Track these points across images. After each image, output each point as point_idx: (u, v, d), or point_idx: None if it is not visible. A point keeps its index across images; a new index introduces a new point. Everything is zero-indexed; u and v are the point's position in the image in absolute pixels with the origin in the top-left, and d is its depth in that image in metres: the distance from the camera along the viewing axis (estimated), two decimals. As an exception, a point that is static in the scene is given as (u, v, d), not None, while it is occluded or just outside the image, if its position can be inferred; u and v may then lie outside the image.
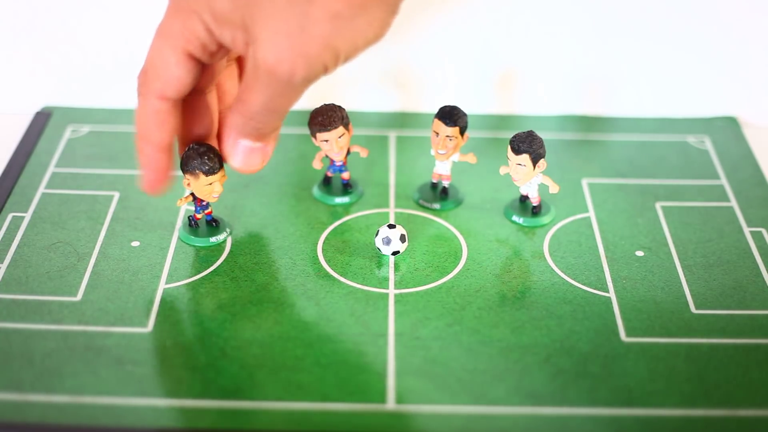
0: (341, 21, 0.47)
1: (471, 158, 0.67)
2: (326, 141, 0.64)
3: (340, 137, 0.64)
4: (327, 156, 0.66)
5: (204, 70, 0.54)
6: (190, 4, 0.49)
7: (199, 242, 0.64)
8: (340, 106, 0.64)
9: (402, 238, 0.61)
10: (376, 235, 0.62)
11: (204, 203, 0.63)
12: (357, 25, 0.47)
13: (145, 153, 0.55)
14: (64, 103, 0.79)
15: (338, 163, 0.67)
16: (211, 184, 0.60)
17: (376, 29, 0.48)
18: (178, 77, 0.52)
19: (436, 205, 0.67)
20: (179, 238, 0.64)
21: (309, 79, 0.49)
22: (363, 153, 0.67)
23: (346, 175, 0.68)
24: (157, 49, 0.52)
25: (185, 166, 0.60)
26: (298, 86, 0.49)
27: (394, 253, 0.62)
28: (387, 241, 0.61)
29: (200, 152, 0.59)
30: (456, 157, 0.66)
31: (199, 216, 0.64)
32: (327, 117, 0.63)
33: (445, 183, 0.68)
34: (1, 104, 0.80)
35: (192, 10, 0.49)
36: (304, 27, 0.47)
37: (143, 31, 0.78)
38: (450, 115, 0.64)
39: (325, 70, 0.49)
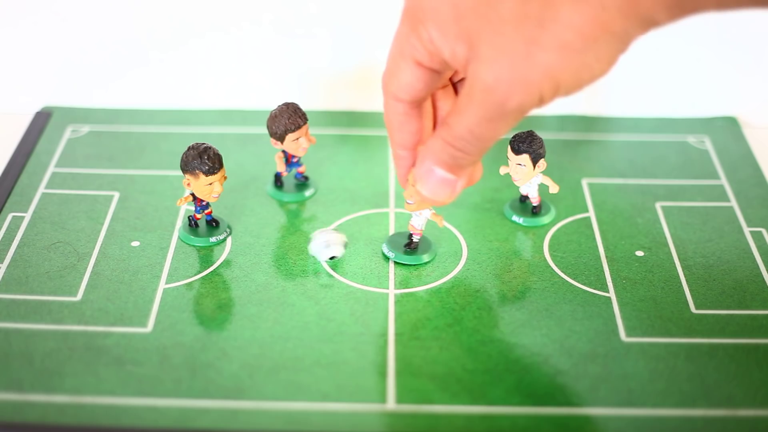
0: (570, 53, 0.44)
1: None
2: (296, 140, 0.65)
3: (306, 132, 0.65)
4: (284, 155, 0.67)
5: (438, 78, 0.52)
6: (418, 13, 0.48)
7: (199, 242, 0.64)
8: (290, 103, 0.65)
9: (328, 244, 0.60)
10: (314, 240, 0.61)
11: (204, 203, 0.63)
12: (585, 58, 0.45)
13: (392, 149, 0.54)
14: (64, 103, 0.79)
15: (295, 159, 0.68)
16: (211, 184, 0.60)
17: (604, 65, 0.46)
18: (408, 83, 0.50)
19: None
20: (179, 238, 0.64)
21: (522, 108, 0.46)
22: (312, 141, 0.67)
23: (303, 168, 0.69)
24: (392, 53, 0.51)
25: (185, 166, 0.60)
26: (510, 113, 0.46)
27: (331, 258, 0.61)
28: (326, 245, 0.60)
29: (200, 151, 0.59)
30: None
31: (199, 216, 0.64)
32: (293, 116, 0.64)
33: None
34: (1, 104, 0.80)
35: (419, 18, 0.48)
36: (531, 52, 0.44)
37: (143, 31, 0.78)
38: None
39: (541, 101, 0.46)
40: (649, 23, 0.44)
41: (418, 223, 0.61)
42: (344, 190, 0.70)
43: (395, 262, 0.62)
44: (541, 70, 0.45)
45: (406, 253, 0.62)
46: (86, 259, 0.62)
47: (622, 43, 0.45)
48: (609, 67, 0.46)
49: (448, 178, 0.51)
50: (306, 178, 0.70)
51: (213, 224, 0.65)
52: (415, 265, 0.62)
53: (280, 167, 0.68)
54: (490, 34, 0.45)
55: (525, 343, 0.57)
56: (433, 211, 0.61)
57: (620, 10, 0.43)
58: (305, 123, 0.64)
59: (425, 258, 0.62)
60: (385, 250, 0.63)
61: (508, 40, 0.44)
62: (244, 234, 0.65)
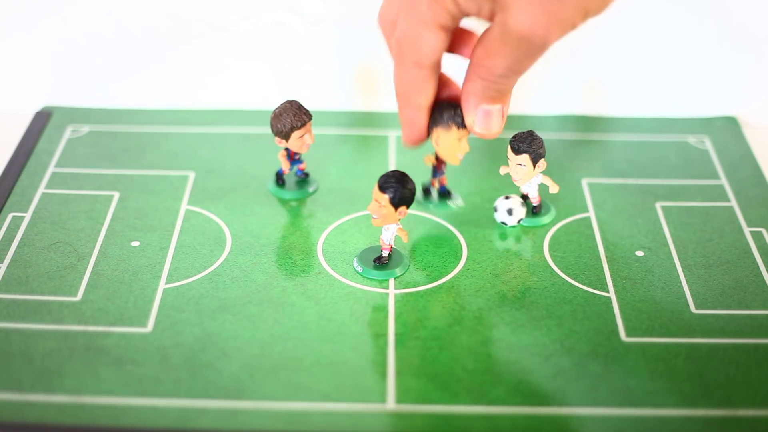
0: None
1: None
2: (301, 137, 0.65)
3: (310, 128, 0.65)
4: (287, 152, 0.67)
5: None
6: None
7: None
8: (293, 100, 0.65)
9: (523, 203, 0.65)
10: (496, 211, 0.65)
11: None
12: None
13: (404, 113, 0.58)
14: (64, 103, 0.79)
15: (297, 156, 0.68)
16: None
17: None
18: (431, 47, 0.54)
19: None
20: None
21: (557, 40, 0.51)
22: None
23: (303, 165, 0.69)
24: (410, 22, 0.54)
25: (438, 120, 0.59)
26: (546, 47, 0.51)
27: (519, 221, 0.65)
28: (510, 212, 0.64)
29: (454, 105, 0.59)
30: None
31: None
32: (298, 114, 0.64)
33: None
34: (1, 104, 0.80)
35: None
36: None
37: (143, 31, 0.78)
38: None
39: (573, 28, 0.50)
40: None
41: (387, 237, 0.61)
42: (344, 189, 0.70)
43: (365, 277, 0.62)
44: (573, 5, 0.49)
45: (375, 267, 0.62)
46: (86, 259, 0.62)
47: None
48: None
49: (495, 108, 0.56)
50: (306, 174, 0.70)
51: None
52: (385, 280, 0.61)
53: (285, 165, 0.68)
54: None
55: (525, 343, 0.57)
56: (400, 226, 0.60)
57: None
58: (310, 120, 0.65)
59: (397, 272, 0.62)
60: (355, 265, 0.62)
61: None
62: (244, 234, 0.65)
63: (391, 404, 0.53)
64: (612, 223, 0.67)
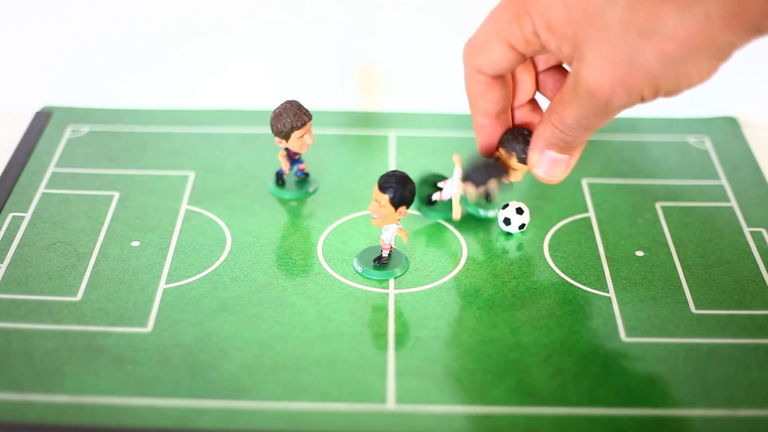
0: (671, 63, 0.47)
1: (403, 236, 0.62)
2: (301, 137, 0.65)
3: (310, 128, 0.65)
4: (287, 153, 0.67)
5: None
6: (526, 4, 0.51)
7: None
8: (292, 100, 0.65)
9: (519, 211, 0.64)
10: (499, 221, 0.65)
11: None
12: (686, 69, 0.47)
13: (474, 118, 0.59)
14: (64, 103, 0.79)
15: (297, 156, 0.68)
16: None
17: (703, 75, 0.48)
18: (495, 61, 0.54)
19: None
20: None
21: (624, 107, 0.50)
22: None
23: (303, 165, 0.69)
24: (485, 29, 0.54)
25: (504, 143, 0.59)
26: (612, 111, 0.50)
27: (521, 227, 0.65)
28: (508, 222, 0.64)
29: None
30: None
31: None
32: (298, 113, 0.64)
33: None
34: (1, 104, 0.80)
35: (527, 10, 0.51)
36: (633, 60, 0.47)
37: (143, 31, 0.78)
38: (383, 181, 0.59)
39: (642, 101, 0.49)
40: (754, 32, 0.45)
41: (387, 237, 0.61)
42: (344, 190, 0.70)
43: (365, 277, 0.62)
44: (642, 77, 0.47)
45: (375, 267, 0.62)
46: (86, 259, 0.62)
47: (724, 54, 0.47)
48: (709, 75, 0.48)
49: (561, 158, 0.56)
50: (306, 174, 0.70)
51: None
52: (385, 280, 0.61)
53: (285, 166, 0.68)
54: (597, 40, 0.48)
55: (525, 343, 0.57)
56: (400, 226, 0.60)
57: (726, 22, 0.45)
58: (310, 120, 0.65)
59: (397, 272, 0.62)
60: (355, 265, 0.62)
61: (613, 47, 0.47)
62: (244, 234, 0.65)
63: (391, 404, 0.53)
64: (612, 223, 0.67)
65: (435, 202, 0.66)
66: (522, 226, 0.65)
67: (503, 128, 0.59)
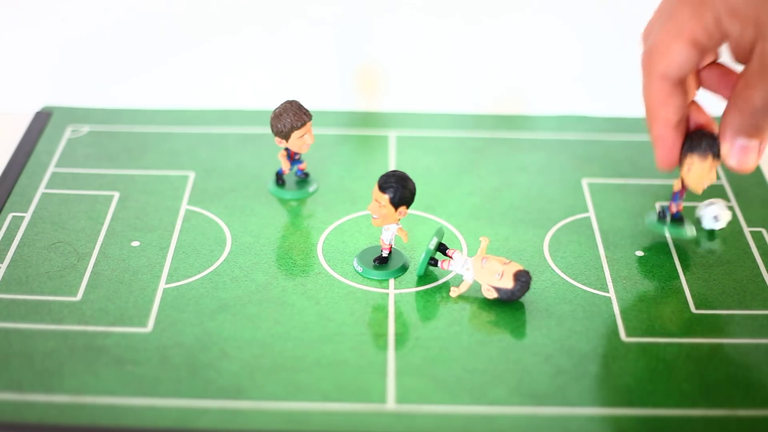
0: None
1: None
2: (301, 137, 0.65)
3: (310, 128, 0.65)
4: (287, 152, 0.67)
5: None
6: None
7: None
8: (292, 100, 0.65)
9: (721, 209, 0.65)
10: (702, 219, 0.66)
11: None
12: None
13: (653, 130, 0.57)
14: (64, 103, 0.79)
15: (297, 156, 0.68)
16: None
17: None
18: (680, 61, 0.54)
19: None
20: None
21: None
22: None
23: (303, 165, 0.69)
24: (664, 33, 0.54)
25: (695, 147, 0.59)
26: None
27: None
28: (717, 219, 0.65)
29: (712, 134, 0.58)
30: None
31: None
32: (298, 113, 0.64)
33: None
34: (1, 104, 0.80)
35: (704, 2, 0.51)
36: None
37: (143, 31, 0.78)
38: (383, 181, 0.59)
39: None
40: None
41: (387, 237, 0.61)
42: (344, 190, 0.70)
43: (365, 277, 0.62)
44: None
45: (375, 267, 0.62)
46: (86, 259, 0.62)
47: None
48: None
49: (752, 144, 0.55)
50: (306, 174, 0.70)
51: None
52: (385, 280, 0.61)
53: (285, 166, 0.68)
54: None
55: (525, 343, 0.57)
56: (400, 226, 0.60)
57: None
58: (310, 119, 0.65)
59: (397, 272, 0.62)
60: (355, 265, 0.62)
61: None
62: (244, 234, 0.65)
63: (391, 404, 0.53)
64: (612, 223, 0.67)
65: (436, 263, 0.62)
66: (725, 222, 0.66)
67: (681, 139, 0.58)
